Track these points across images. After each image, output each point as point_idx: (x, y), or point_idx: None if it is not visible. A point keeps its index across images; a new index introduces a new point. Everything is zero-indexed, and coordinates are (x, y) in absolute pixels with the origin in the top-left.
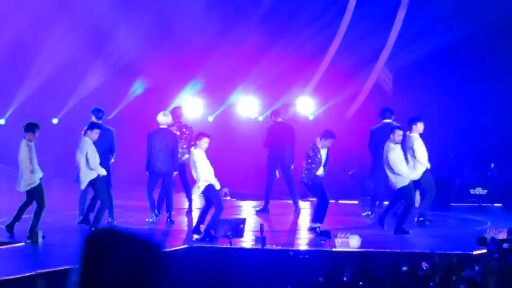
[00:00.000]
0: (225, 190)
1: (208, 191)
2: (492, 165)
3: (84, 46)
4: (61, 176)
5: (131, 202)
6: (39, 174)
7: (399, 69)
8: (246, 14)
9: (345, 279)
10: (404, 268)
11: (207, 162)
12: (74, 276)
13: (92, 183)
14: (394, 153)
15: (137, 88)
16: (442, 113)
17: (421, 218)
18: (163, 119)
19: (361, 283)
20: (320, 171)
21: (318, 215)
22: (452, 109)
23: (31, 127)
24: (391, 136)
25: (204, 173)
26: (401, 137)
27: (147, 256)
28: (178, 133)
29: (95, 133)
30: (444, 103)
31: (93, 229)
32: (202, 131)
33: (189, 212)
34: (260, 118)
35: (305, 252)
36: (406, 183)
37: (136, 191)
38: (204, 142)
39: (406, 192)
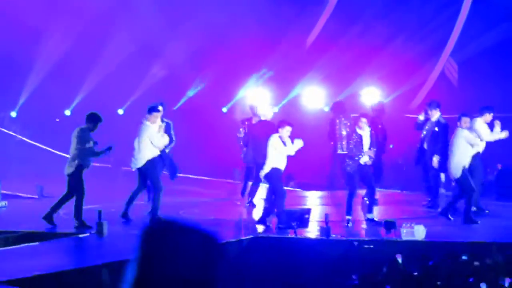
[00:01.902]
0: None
1: (271, 176)
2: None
3: (146, 42)
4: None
5: (196, 194)
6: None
7: (464, 60)
8: (313, 3)
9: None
10: (464, 258)
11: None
12: (131, 270)
13: (143, 168)
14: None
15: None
16: (508, 104)
17: (474, 208)
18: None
19: (415, 273)
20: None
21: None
22: None
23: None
24: (458, 123)
25: (271, 159)
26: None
27: (205, 248)
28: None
29: (154, 117)
30: (510, 94)
31: (153, 219)
32: (285, 119)
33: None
34: (326, 109)
35: (370, 242)
36: (459, 173)
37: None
38: (286, 131)
39: (462, 182)
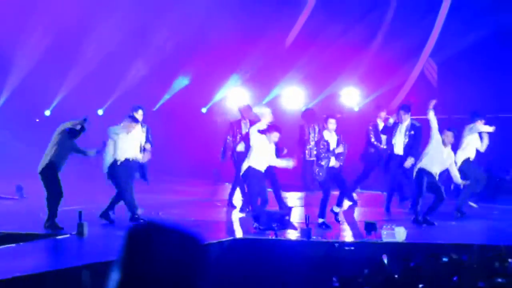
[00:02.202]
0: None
1: (247, 175)
2: None
3: (126, 40)
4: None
5: (175, 195)
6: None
7: (444, 60)
8: (292, 3)
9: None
10: (444, 259)
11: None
12: (114, 272)
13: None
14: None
15: (180, 81)
16: (488, 105)
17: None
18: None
19: (396, 276)
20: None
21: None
22: (499, 100)
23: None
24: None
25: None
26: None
27: (188, 249)
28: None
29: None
30: (490, 94)
31: (135, 222)
32: (274, 124)
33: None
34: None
35: (351, 244)
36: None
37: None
38: (274, 136)
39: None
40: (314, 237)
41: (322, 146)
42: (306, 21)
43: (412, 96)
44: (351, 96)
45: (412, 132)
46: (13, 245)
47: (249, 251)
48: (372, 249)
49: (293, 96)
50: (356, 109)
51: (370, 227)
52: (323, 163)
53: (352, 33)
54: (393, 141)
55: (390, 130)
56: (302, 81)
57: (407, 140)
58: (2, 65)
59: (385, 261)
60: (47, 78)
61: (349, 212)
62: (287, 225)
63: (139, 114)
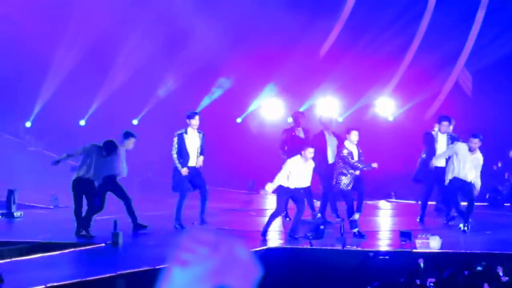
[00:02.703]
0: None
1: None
2: (499, 164)
3: (163, 47)
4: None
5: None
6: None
7: (479, 70)
8: (326, 13)
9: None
10: (479, 268)
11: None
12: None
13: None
14: None
15: (218, 89)
16: None
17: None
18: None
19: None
20: None
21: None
22: None
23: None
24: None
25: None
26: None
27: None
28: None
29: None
30: None
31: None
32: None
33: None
34: (340, 119)
35: (386, 253)
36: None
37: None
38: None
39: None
40: (348, 246)
41: (349, 156)
42: (341, 31)
43: (447, 106)
44: (386, 106)
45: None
46: (48, 254)
47: (283, 260)
48: (406, 258)
49: (328, 106)
50: (391, 119)
51: (405, 236)
52: (356, 172)
53: (387, 43)
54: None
55: (433, 140)
56: (336, 91)
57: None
58: (37, 75)
59: (422, 264)
60: (82, 88)
61: (384, 221)
62: (322, 234)
63: (195, 120)
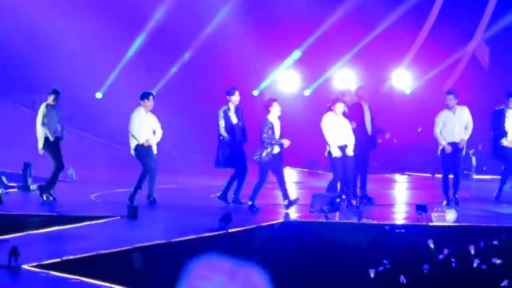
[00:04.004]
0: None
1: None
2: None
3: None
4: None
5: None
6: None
7: (496, 43)
8: None
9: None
10: (495, 242)
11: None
12: None
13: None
14: None
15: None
16: None
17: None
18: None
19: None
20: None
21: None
22: None
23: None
24: None
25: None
26: None
27: None
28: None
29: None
30: None
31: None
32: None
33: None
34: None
35: (401, 226)
36: None
37: None
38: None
39: None
40: (364, 220)
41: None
42: (357, 3)
43: (464, 79)
44: (402, 79)
45: None
46: (64, 227)
47: (299, 233)
48: (422, 231)
49: (344, 78)
50: (408, 92)
51: (421, 209)
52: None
53: (404, 16)
54: (506, 128)
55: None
56: (353, 64)
57: None
58: (50, 51)
59: (431, 245)
60: (99, 61)
61: (400, 195)
62: (338, 207)
63: (235, 96)
